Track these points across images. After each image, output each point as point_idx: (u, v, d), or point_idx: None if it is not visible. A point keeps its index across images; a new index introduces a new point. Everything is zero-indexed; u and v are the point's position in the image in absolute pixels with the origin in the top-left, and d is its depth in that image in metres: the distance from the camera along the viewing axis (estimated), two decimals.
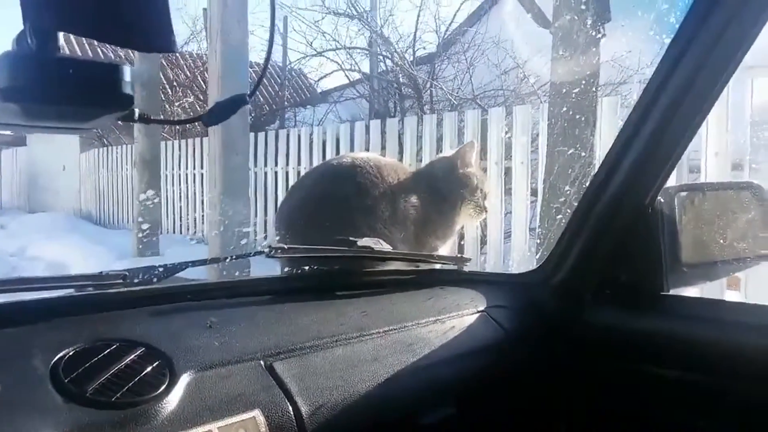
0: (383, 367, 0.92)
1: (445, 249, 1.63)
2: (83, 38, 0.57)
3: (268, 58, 0.74)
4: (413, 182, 1.56)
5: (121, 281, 0.89)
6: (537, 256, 3.86)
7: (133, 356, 0.75)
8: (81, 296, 0.88)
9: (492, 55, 7.39)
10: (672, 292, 1.12)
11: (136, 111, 0.57)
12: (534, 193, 4.27)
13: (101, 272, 0.89)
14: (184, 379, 0.75)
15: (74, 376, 0.70)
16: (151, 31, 0.52)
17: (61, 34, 0.52)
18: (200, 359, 0.79)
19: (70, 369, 0.71)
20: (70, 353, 0.73)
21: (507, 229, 4.38)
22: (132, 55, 8.07)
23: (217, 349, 0.82)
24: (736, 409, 0.98)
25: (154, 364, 0.75)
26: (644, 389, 1.08)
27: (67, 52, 0.54)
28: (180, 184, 8.04)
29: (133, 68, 0.53)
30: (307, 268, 1.16)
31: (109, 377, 0.71)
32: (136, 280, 0.90)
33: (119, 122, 0.60)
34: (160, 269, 0.93)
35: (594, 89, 3.70)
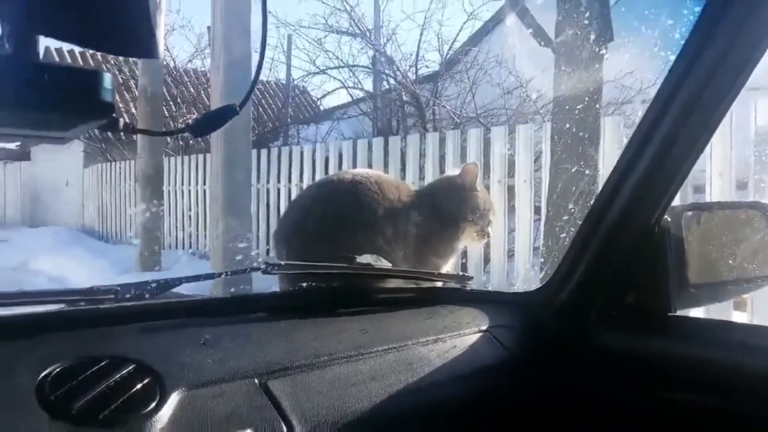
0: (382, 386, 0.89)
1: (447, 267, 1.60)
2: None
3: (259, 68, 0.72)
4: (415, 199, 1.53)
5: (112, 296, 0.87)
6: (541, 275, 3.83)
7: (122, 373, 0.73)
8: (70, 311, 0.85)
9: (495, 74, 7.42)
10: (679, 313, 1.09)
11: (121, 121, 0.55)
12: (537, 211, 4.25)
13: (92, 287, 0.86)
14: (175, 397, 0.73)
15: (60, 393, 0.68)
16: (132, 37, 0.50)
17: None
18: (192, 377, 0.76)
19: (57, 385, 0.68)
20: (57, 369, 0.71)
21: (510, 247, 4.36)
22: (135, 70, 8.14)
23: (209, 367, 0.79)
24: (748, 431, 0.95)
25: (144, 382, 0.73)
26: (652, 412, 1.04)
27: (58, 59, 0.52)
28: (183, 200, 8.05)
29: (113, 76, 0.51)
30: (304, 284, 1.13)
31: (96, 394, 0.69)
32: (127, 296, 0.88)
33: (104, 132, 0.57)
34: (153, 284, 0.90)
35: (597, 105, 3.70)
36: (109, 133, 9.96)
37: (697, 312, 1.23)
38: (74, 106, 0.51)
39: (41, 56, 0.51)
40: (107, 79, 0.50)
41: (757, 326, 1.02)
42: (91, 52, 8.27)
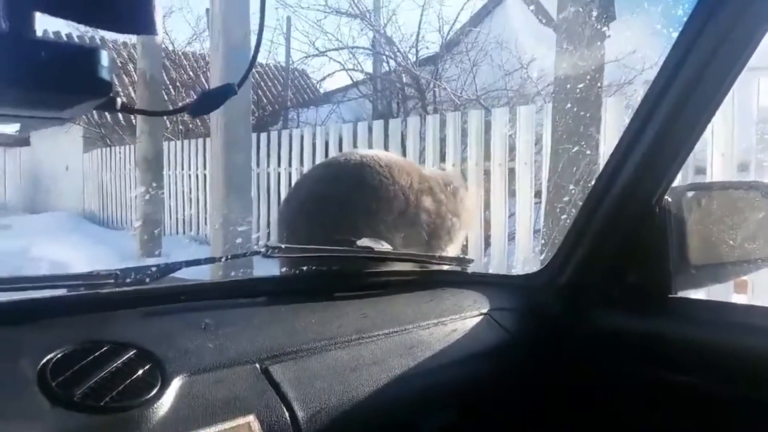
0: (384, 370, 0.89)
1: (454, 250, 1.58)
2: None
3: (258, 45, 0.71)
4: (431, 186, 1.48)
5: (112, 281, 0.87)
6: (542, 257, 3.83)
7: (123, 359, 0.73)
8: (70, 296, 0.85)
9: (496, 55, 7.37)
10: (680, 293, 1.09)
11: (119, 100, 0.54)
12: (538, 195, 4.24)
13: (92, 271, 0.86)
14: (176, 383, 0.73)
15: (62, 380, 0.68)
16: (130, 12, 0.49)
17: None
18: (193, 362, 0.76)
19: (58, 372, 0.69)
20: (58, 356, 0.71)
21: (511, 231, 4.35)
22: (134, 54, 8.09)
23: (210, 352, 0.79)
24: (746, 414, 0.95)
25: (146, 368, 0.73)
26: (651, 393, 1.05)
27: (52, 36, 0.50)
28: (183, 185, 8.03)
29: (111, 54, 0.50)
30: (305, 268, 1.13)
31: (98, 381, 0.69)
32: (128, 280, 0.88)
33: (99, 111, 0.56)
34: (153, 269, 0.90)
35: (599, 85, 3.68)
36: (108, 117, 9.93)
37: (697, 293, 1.22)
38: (71, 84, 0.49)
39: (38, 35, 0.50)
40: (105, 57, 0.49)
41: (758, 307, 1.02)
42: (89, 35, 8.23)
